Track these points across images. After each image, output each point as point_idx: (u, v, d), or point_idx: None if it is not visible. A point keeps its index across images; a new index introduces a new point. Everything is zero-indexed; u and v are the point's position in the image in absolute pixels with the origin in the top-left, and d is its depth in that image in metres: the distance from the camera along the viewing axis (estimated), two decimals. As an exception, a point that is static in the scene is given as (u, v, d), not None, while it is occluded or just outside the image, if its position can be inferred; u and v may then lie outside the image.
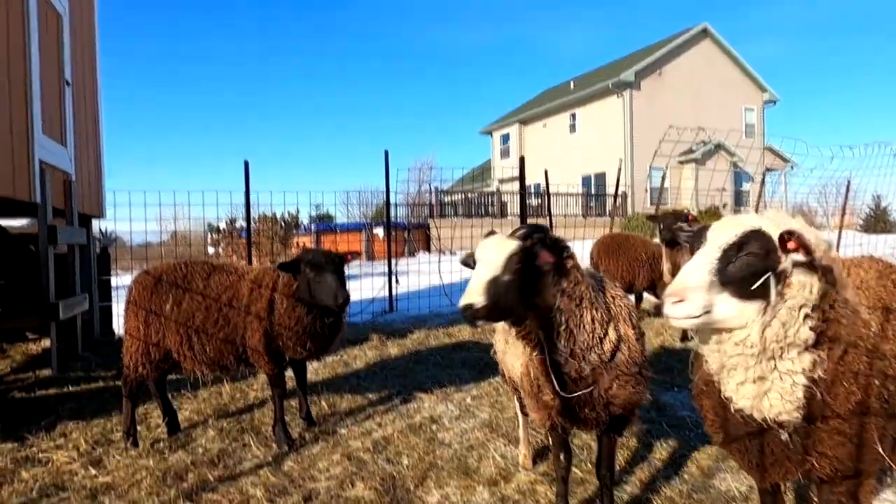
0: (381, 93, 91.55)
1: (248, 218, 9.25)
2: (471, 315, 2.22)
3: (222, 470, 3.59)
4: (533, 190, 26.37)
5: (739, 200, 27.73)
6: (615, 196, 14.46)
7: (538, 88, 49.45)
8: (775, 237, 1.75)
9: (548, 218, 11.44)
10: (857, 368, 1.84)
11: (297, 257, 3.84)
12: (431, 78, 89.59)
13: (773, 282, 1.73)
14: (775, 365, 1.79)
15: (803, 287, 1.75)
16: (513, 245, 2.29)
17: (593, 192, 28.78)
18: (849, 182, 14.77)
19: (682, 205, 23.06)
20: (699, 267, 1.77)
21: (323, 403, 4.89)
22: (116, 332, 8.33)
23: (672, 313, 1.76)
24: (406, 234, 19.89)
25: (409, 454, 3.79)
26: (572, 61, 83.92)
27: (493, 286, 2.22)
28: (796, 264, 1.75)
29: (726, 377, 1.88)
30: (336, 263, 3.77)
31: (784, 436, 1.90)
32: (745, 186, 28.60)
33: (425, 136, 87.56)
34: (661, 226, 6.68)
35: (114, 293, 8.62)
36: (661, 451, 3.77)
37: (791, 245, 1.72)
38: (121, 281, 10.66)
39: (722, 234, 1.80)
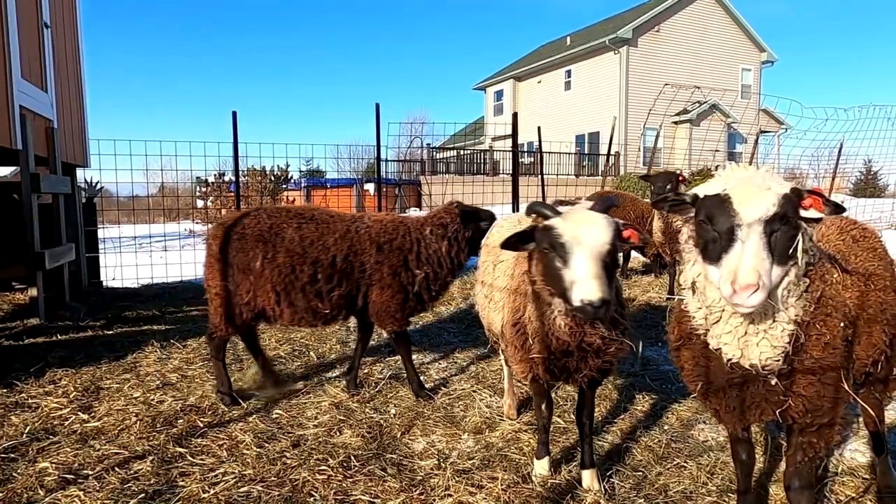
0: (373, 45, 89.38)
1: (236, 171, 9.13)
2: (603, 313, 2.14)
3: (211, 416, 3.64)
4: (526, 148, 26.16)
5: (733, 161, 27.65)
6: (608, 155, 14.37)
7: (535, 44, 48.40)
8: (795, 197, 1.79)
9: (540, 177, 11.37)
10: (829, 311, 1.93)
11: (470, 209, 3.88)
12: (425, 30, 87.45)
13: (800, 243, 1.78)
14: (773, 315, 1.85)
15: (808, 239, 1.84)
16: (614, 225, 2.23)
17: (586, 151, 28.58)
18: (841, 145, 14.78)
19: (674, 165, 22.98)
20: (755, 250, 1.72)
21: (311, 354, 4.94)
22: (104, 282, 8.31)
23: (749, 302, 1.70)
24: (397, 190, 19.75)
25: (396, 404, 3.86)
26: (570, 16, 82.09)
27: (609, 276, 2.18)
28: (808, 220, 1.81)
29: (719, 330, 1.93)
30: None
31: (773, 380, 1.96)
32: (739, 148, 28.50)
33: (418, 91, 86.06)
34: (654, 186, 6.70)
35: (101, 244, 8.57)
36: (643, 403, 3.86)
37: (807, 203, 1.77)
38: (108, 233, 10.60)
39: (755, 205, 1.75)
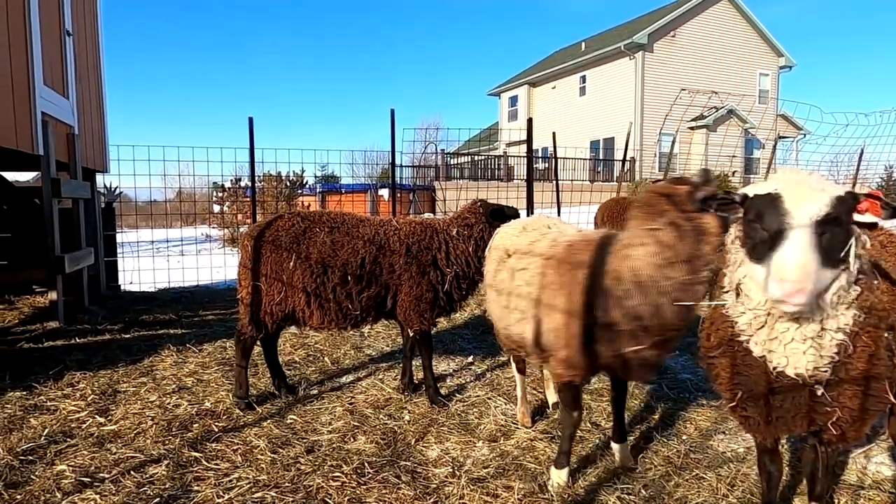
0: (388, 51, 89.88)
1: (252, 176, 9.18)
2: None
3: (227, 421, 3.65)
4: (540, 154, 26.08)
5: (749, 168, 27.35)
6: (623, 161, 14.27)
7: (549, 50, 48.40)
8: (849, 200, 1.76)
9: (555, 182, 11.31)
10: (873, 322, 1.88)
11: (497, 207, 3.92)
12: (440, 36, 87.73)
13: (853, 247, 1.75)
14: (822, 323, 1.82)
15: (860, 246, 1.80)
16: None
17: (601, 156, 28.43)
18: (861, 151, 14.52)
19: (691, 171, 22.78)
20: (804, 249, 1.69)
21: (326, 360, 4.94)
22: (122, 286, 8.41)
23: (794, 301, 1.69)
24: (411, 195, 19.78)
25: (410, 410, 3.84)
26: (585, 22, 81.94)
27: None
28: (863, 225, 1.78)
29: (764, 336, 1.90)
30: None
31: (819, 390, 1.92)
32: (756, 154, 28.17)
33: (433, 97, 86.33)
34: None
35: (119, 249, 8.67)
36: (661, 412, 3.80)
37: (863, 207, 1.74)
38: (126, 237, 10.73)
39: (806, 205, 1.73)
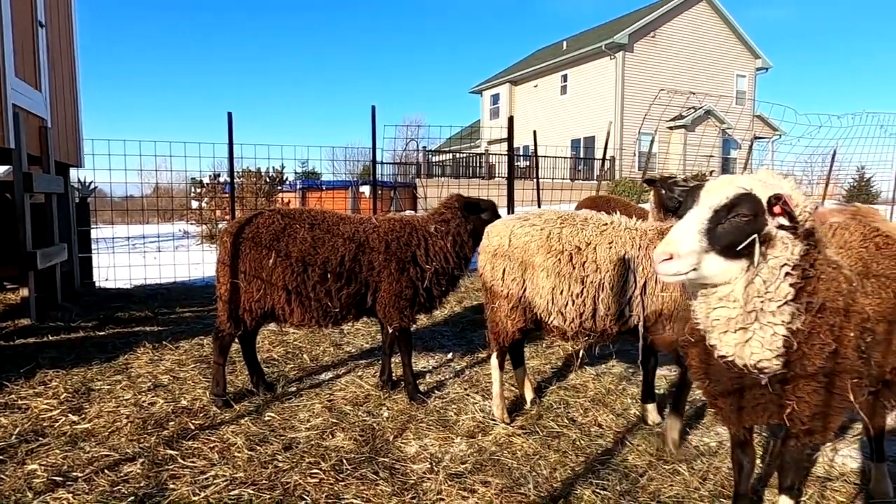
0: (370, 47, 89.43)
1: (231, 172, 9.08)
2: None
3: (203, 419, 3.62)
4: (522, 152, 26.20)
5: (727, 168, 27.77)
6: (603, 160, 14.40)
7: (531, 48, 48.58)
8: (764, 200, 1.80)
9: (535, 180, 11.38)
10: (834, 321, 1.92)
11: (472, 201, 3.99)
12: (423, 33, 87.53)
13: (758, 244, 1.79)
14: (756, 317, 1.87)
15: (785, 248, 1.82)
16: None
17: (582, 155, 28.65)
18: (834, 152, 14.86)
19: (669, 170, 23.09)
20: (690, 226, 1.83)
21: (305, 357, 4.92)
22: (97, 283, 8.26)
23: (662, 270, 1.82)
24: (392, 192, 19.74)
25: (389, 407, 3.85)
26: (567, 21, 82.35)
27: None
28: (780, 227, 1.81)
29: (711, 327, 1.96)
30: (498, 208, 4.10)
31: (763, 380, 1.99)
32: (733, 154, 28.62)
33: (415, 94, 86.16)
34: (664, 190, 6.65)
35: (94, 245, 8.52)
36: (636, 408, 3.86)
37: (777, 210, 1.78)
38: (101, 233, 10.53)
39: (714, 194, 1.84)
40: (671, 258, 1.80)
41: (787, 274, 1.84)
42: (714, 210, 1.80)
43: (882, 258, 2.38)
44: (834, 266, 1.99)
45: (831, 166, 15.13)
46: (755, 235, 1.79)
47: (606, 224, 3.44)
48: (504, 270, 3.44)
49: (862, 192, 25.38)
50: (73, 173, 8.21)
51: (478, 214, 3.95)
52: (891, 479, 2.78)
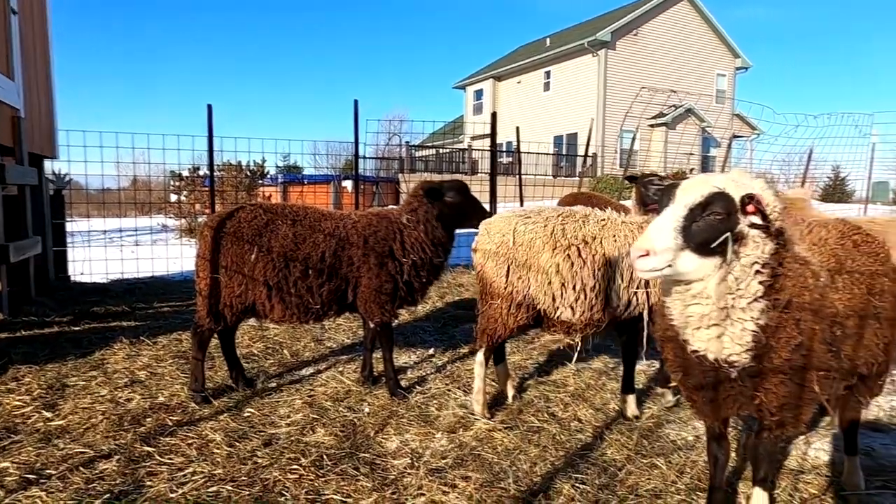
0: (353, 40, 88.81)
1: (210, 165, 8.97)
2: None
3: (181, 415, 3.57)
4: (504, 148, 26.25)
5: (706, 165, 28.14)
6: (585, 156, 14.49)
7: (515, 43, 48.64)
8: (738, 199, 1.84)
9: (518, 176, 11.41)
10: (800, 316, 1.97)
11: (435, 185, 3.93)
12: (406, 27, 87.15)
13: (730, 242, 1.83)
14: (728, 313, 1.92)
15: (757, 246, 1.87)
16: None
17: (564, 152, 28.80)
18: (811, 151, 15.13)
19: (650, 168, 23.31)
20: (666, 224, 1.86)
21: (285, 352, 4.89)
22: (72, 277, 8.11)
23: (639, 265, 1.85)
24: (375, 187, 19.65)
25: (370, 402, 3.84)
26: (551, 17, 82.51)
27: None
28: (752, 226, 1.85)
29: (685, 323, 2.00)
30: (468, 187, 4.03)
31: (733, 374, 2.05)
32: (713, 152, 29.01)
33: (398, 89, 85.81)
34: (644, 188, 6.70)
35: (69, 238, 8.36)
36: (615, 403, 3.90)
37: (750, 209, 1.82)
38: (76, 226, 10.34)
39: (689, 193, 1.88)
40: (647, 254, 1.83)
41: (757, 272, 1.89)
42: (689, 208, 1.84)
43: (859, 255, 2.43)
44: (802, 262, 2.04)
45: (807, 165, 15.40)
46: (728, 233, 1.83)
47: (605, 219, 3.53)
48: (508, 268, 3.45)
49: (837, 191, 25.89)
50: (48, 165, 8.03)
51: (441, 198, 3.89)
52: (863, 471, 2.84)
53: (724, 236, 1.82)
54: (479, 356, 3.62)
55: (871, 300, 2.30)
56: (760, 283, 1.90)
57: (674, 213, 1.86)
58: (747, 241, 1.86)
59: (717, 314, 1.92)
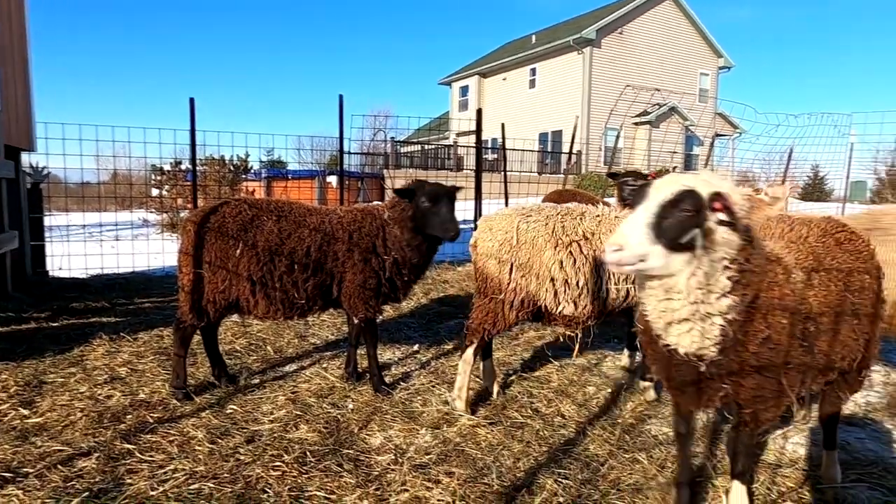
0: (339, 35, 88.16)
1: (193, 159, 8.85)
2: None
3: (162, 412, 3.53)
4: (490, 144, 26.28)
5: (689, 164, 28.42)
6: (570, 154, 14.55)
7: (502, 40, 48.65)
8: (706, 196, 1.90)
9: (503, 173, 11.42)
10: (768, 312, 2.04)
11: (412, 185, 3.77)
12: (392, 23, 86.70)
13: (699, 237, 1.88)
14: (697, 308, 1.97)
15: (725, 242, 1.92)
16: None
17: (549, 149, 28.90)
18: (791, 150, 15.34)
19: (634, 165, 23.48)
20: (638, 220, 1.92)
21: (268, 349, 4.85)
22: (50, 272, 7.97)
23: (611, 259, 1.90)
24: (360, 183, 19.56)
25: (354, 399, 3.83)
26: (537, 14, 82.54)
27: None
28: (720, 223, 1.91)
29: (657, 318, 2.05)
30: (450, 195, 3.74)
31: (702, 367, 2.11)
32: (696, 150, 29.29)
33: (383, 85, 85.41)
34: (624, 185, 6.78)
35: (47, 232, 8.21)
36: (598, 398, 3.93)
37: (717, 206, 1.89)
38: (55, 221, 10.14)
39: (660, 191, 1.94)
40: (620, 249, 1.88)
41: (725, 267, 1.95)
42: (660, 206, 1.90)
43: (840, 252, 2.47)
44: (773, 259, 2.09)
45: (788, 164, 15.62)
46: (697, 230, 1.88)
47: (599, 215, 3.63)
48: (511, 266, 3.49)
49: (816, 190, 26.32)
50: (25, 158, 7.87)
51: (411, 199, 3.75)
52: (840, 465, 2.90)
53: (692, 232, 1.88)
54: (469, 352, 3.63)
55: (849, 297, 2.35)
56: (729, 278, 1.96)
57: (646, 210, 1.92)
58: (715, 238, 1.91)
59: (687, 309, 1.97)
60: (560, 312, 3.54)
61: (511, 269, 3.49)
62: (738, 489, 2.40)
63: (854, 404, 3.84)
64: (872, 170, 19.93)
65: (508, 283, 3.48)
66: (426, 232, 3.74)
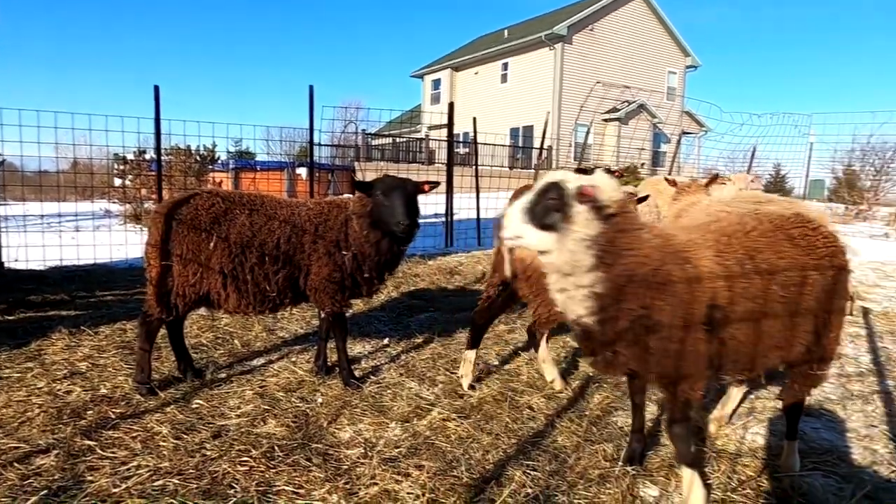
0: (309, 25, 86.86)
1: (157, 149, 8.63)
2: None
3: (125, 407, 3.45)
4: (462, 138, 26.29)
5: (657, 160, 28.94)
6: (541, 149, 14.67)
7: (474, 34, 48.63)
8: (573, 189, 2.24)
9: (474, 167, 11.44)
10: (637, 290, 2.28)
11: (373, 180, 3.74)
12: (364, 15, 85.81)
13: (559, 220, 2.25)
14: (568, 280, 2.31)
15: (585, 225, 2.24)
16: None
17: (521, 144, 29.06)
18: (754, 149, 15.78)
19: (604, 161, 23.80)
20: (518, 205, 2.31)
21: (236, 342, 4.78)
22: (6, 263, 7.68)
23: (500, 236, 2.35)
24: (330, 175, 19.35)
25: (323, 393, 3.80)
26: (510, 8, 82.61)
27: None
28: (586, 210, 2.25)
29: (552, 291, 2.42)
30: (409, 189, 3.63)
31: (579, 331, 2.45)
32: (663, 147, 29.83)
33: (355, 76, 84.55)
34: None
35: (2, 222, 7.91)
36: (566, 391, 3.99)
37: (582, 196, 2.24)
38: (11, 210, 9.78)
39: (539, 183, 2.34)
40: (505, 228, 2.30)
41: (587, 247, 2.24)
42: (535, 194, 2.30)
43: (789, 248, 2.55)
44: (652, 246, 2.31)
45: (751, 162, 16.06)
46: (559, 213, 2.24)
47: None
48: None
49: (777, 187, 27.10)
50: (-21, 144, 7.55)
51: (369, 194, 3.67)
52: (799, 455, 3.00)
53: (555, 215, 2.24)
54: (544, 345, 4.10)
55: (778, 291, 2.44)
56: (592, 255, 2.24)
57: (526, 197, 2.32)
58: (577, 220, 2.22)
59: (562, 281, 2.32)
60: None
61: None
62: (687, 473, 2.52)
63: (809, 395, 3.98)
64: (830, 169, 20.63)
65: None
66: (381, 227, 3.64)
